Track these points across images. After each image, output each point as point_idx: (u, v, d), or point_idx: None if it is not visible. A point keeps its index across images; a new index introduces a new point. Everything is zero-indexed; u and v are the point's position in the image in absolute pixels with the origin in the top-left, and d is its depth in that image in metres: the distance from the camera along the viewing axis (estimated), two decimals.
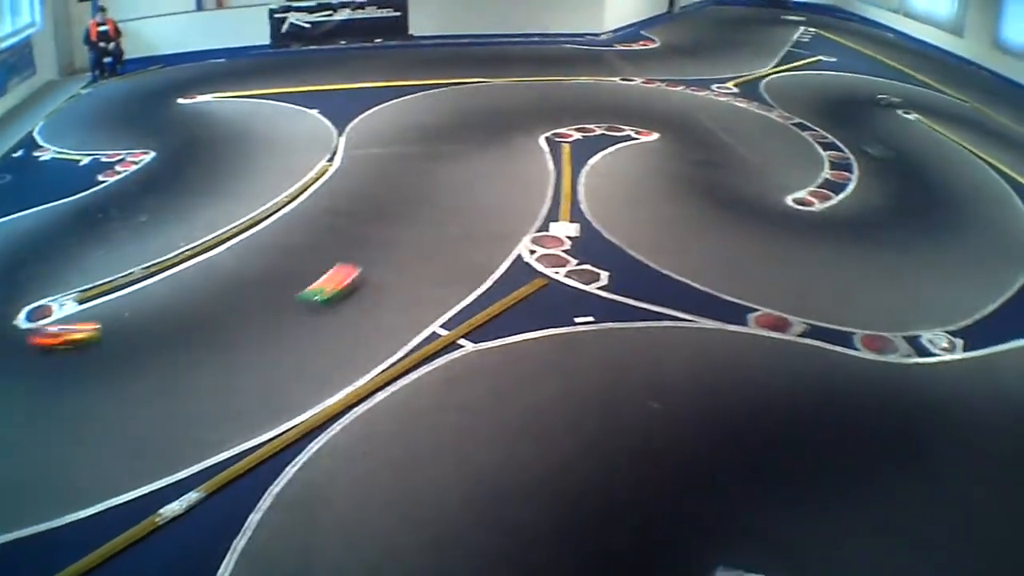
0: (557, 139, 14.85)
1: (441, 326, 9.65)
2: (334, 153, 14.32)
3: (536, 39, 20.85)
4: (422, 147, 14.39)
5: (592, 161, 14.11)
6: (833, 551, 7.42)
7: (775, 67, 21.31)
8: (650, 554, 7.12)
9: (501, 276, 10.75)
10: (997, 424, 9.34)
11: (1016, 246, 13.38)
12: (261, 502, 7.21)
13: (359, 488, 7.53)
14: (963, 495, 8.26)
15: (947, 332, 10.71)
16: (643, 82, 18.69)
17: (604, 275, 10.82)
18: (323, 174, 13.53)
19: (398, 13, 21.01)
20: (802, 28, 25.84)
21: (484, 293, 10.35)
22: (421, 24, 21.08)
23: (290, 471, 7.55)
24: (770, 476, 8.06)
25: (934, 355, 10.29)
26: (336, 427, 8.12)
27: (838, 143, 16.36)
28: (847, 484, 8.10)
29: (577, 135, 15.08)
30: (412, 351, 9.20)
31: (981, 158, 16.90)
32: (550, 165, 13.80)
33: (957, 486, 8.37)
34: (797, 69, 21.46)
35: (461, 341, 9.42)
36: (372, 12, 20.96)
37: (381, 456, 7.87)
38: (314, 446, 7.87)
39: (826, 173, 14.97)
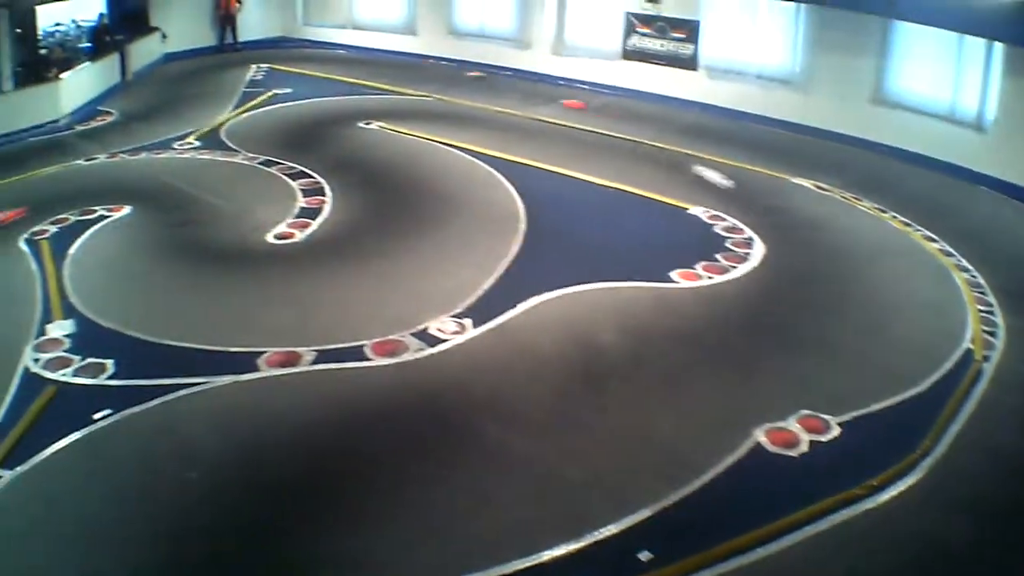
0: (36, 237, 14.35)
1: None
2: None
3: (1, 140, 19.87)
4: None
5: (71, 250, 13.82)
6: (406, 550, 8.00)
7: (233, 111, 21.75)
8: None
9: (14, 394, 10.26)
10: (524, 380, 10.51)
11: (508, 219, 14.83)
12: None
13: None
14: (513, 452, 9.26)
15: (453, 316, 11.71)
16: (107, 157, 18.47)
17: (109, 363, 10.74)
18: None
19: None
20: (254, 67, 26.43)
21: (4, 416, 9.82)
22: None
23: None
24: (325, 506, 8.48)
25: (446, 341, 11.19)
26: None
27: (307, 170, 17.20)
28: (407, 485, 8.73)
29: (53, 228, 14.67)
30: None
31: (451, 145, 18.54)
32: (32, 266, 13.36)
33: (505, 446, 9.33)
34: (254, 108, 22.06)
35: None
36: None
37: None
38: None
39: (301, 202, 15.72)
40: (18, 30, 21.42)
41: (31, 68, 21.69)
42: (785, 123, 20.40)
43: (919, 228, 15.02)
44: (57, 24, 24.72)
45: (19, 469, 9.02)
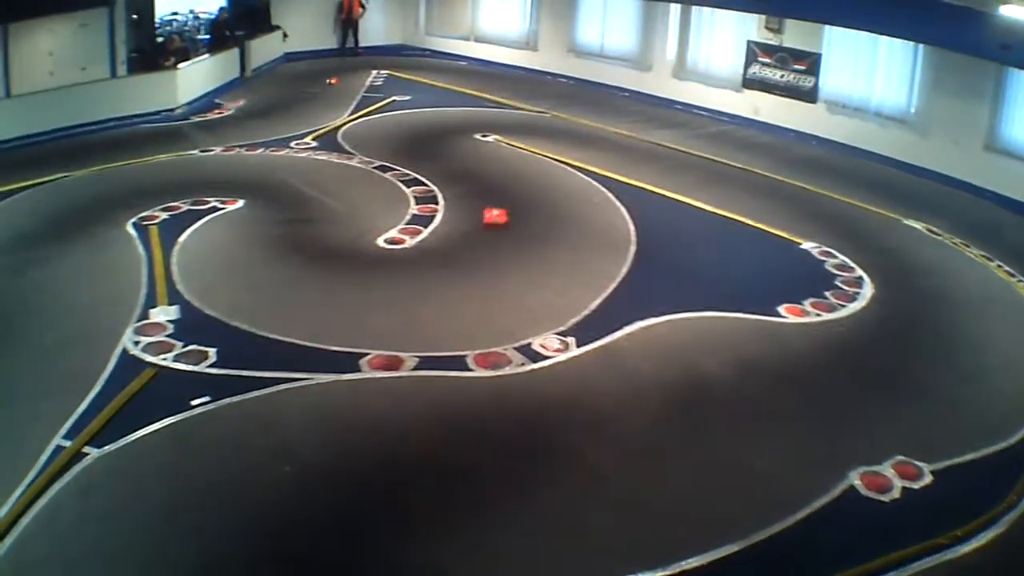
0: (144, 223, 14.42)
1: (63, 438, 9.00)
2: None
3: (114, 123, 20.12)
4: (2, 260, 13.46)
5: (181, 238, 13.86)
6: (490, 566, 7.81)
7: (351, 115, 21.80)
8: None
9: (111, 374, 10.24)
10: (623, 403, 10.21)
11: (618, 240, 14.60)
12: None
13: None
14: (606, 475, 9.00)
15: (557, 334, 11.46)
16: (223, 150, 18.63)
17: (212, 352, 10.67)
18: None
19: None
20: (374, 72, 26.54)
21: (98, 395, 9.79)
22: None
23: None
24: (413, 514, 8.33)
25: (548, 358, 10.97)
26: None
27: (421, 178, 17.09)
28: (499, 500, 8.56)
29: (164, 215, 14.74)
30: (42, 470, 8.51)
31: (564, 163, 18.36)
32: (140, 250, 13.41)
33: (599, 469, 9.08)
34: (372, 113, 22.10)
35: (85, 449, 8.88)
36: None
37: None
38: None
39: (413, 209, 15.59)
40: (134, 16, 21.73)
41: (146, 55, 21.98)
42: (899, 162, 19.83)
43: (1022, 279, 14.40)
44: (174, 13, 25.22)
45: (107, 448, 8.96)
